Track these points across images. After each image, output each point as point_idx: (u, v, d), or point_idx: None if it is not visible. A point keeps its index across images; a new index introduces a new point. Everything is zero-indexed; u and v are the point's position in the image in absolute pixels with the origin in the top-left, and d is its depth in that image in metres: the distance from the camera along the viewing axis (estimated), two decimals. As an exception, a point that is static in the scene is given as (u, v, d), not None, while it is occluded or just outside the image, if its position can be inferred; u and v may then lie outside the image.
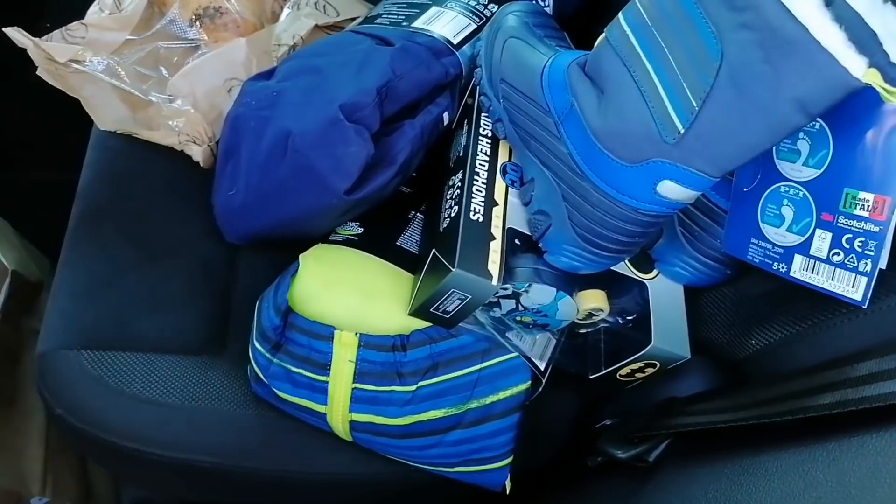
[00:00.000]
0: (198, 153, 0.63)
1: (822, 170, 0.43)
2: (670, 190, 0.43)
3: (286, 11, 0.72)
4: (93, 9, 0.68)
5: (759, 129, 0.39)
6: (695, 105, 0.40)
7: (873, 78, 0.36)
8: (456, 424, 0.52)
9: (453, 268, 0.47)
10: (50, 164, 0.95)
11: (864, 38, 0.40)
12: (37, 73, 0.64)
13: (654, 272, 0.56)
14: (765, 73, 0.37)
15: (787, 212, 0.45)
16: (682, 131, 0.41)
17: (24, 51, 0.62)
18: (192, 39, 0.68)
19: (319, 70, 0.53)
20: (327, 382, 0.51)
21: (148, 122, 0.65)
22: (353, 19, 0.74)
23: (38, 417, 0.81)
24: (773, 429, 0.41)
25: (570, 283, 0.52)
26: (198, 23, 0.68)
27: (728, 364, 0.54)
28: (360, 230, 0.57)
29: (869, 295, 0.41)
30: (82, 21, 0.66)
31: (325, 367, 0.51)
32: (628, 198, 0.45)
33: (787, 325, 0.47)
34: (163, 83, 0.65)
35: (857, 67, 0.35)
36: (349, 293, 0.53)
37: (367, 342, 0.51)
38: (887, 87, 0.36)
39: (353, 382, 0.51)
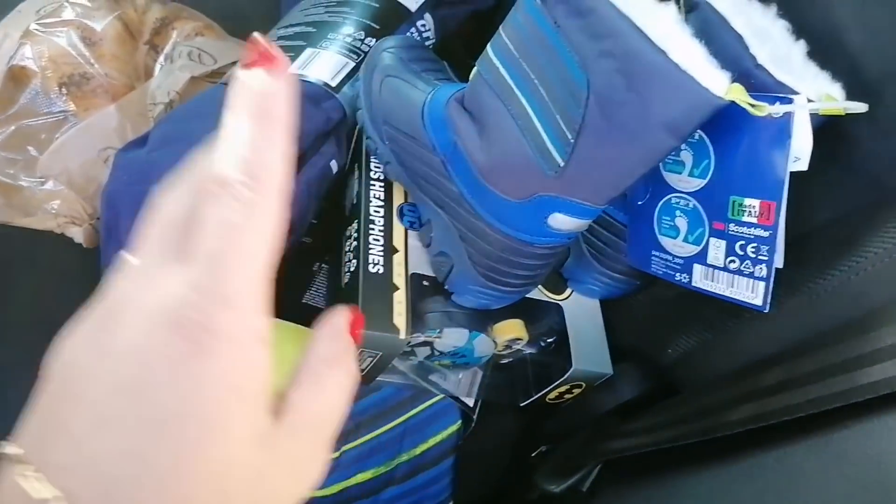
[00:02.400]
0: (78, 234, 0.59)
1: (707, 179, 0.43)
2: (561, 222, 0.43)
3: (159, 65, 0.69)
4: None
5: (633, 156, 0.38)
6: (570, 138, 0.39)
7: (737, 94, 0.35)
8: (388, 482, 0.50)
9: (358, 327, 0.45)
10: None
11: (728, 44, 0.40)
12: None
13: (568, 291, 0.55)
14: (631, 101, 0.36)
15: (681, 223, 0.45)
16: (562, 164, 0.40)
17: None
18: (60, 112, 0.63)
19: (191, 137, 0.50)
20: (246, 465, 0.48)
21: (24, 208, 0.61)
22: (233, 63, 0.71)
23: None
24: (694, 448, 0.41)
25: (484, 318, 0.51)
26: (64, 92, 0.64)
27: (654, 369, 0.54)
28: (264, 292, 0.55)
29: (769, 299, 0.41)
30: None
31: (240, 450, 0.48)
32: (522, 233, 0.44)
33: (698, 333, 0.47)
34: (32, 164, 0.60)
35: (720, 85, 0.35)
36: (257, 365, 0.50)
37: (282, 415, 0.48)
38: (752, 101, 0.36)
39: (273, 460, 0.48)
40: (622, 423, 0.49)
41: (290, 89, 0.22)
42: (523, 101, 0.41)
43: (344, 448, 0.49)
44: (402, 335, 0.46)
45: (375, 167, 0.54)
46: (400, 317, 0.47)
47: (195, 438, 0.18)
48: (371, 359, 0.47)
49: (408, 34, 0.61)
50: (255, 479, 0.20)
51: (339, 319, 0.25)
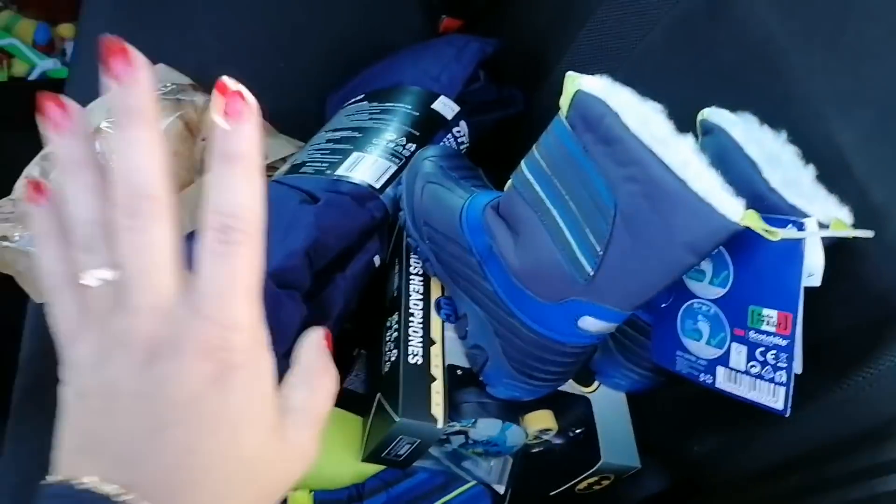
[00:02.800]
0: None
1: (727, 289, 0.46)
2: (591, 324, 0.46)
3: (216, 160, 0.75)
4: (20, 182, 0.69)
5: (656, 270, 0.41)
6: (599, 250, 0.42)
7: (752, 221, 0.39)
8: (421, 569, 0.52)
9: (397, 417, 0.48)
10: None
11: (743, 168, 0.43)
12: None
13: (596, 384, 0.58)
14: (654, 222, 0.40)
15: (704, 327, 0.48)
16: (592, 273, 0.43)
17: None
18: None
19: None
20: (286, 548, 0.51)
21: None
22: (284, 159, 0.77)
23: None
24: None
25: (516, 408, 0.54)
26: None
27: (680, 465, 0.56)
28: (307, 378, 0.58)
29: (789, 404, 0.43)
30: (10, 197, 0.67)
31: (282, 533, 0.51)
32: (554, 333, 0.47)
33: (723, 432, 0.49)
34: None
35: (736, 212, 0.38)
36: (300, 450, 0.53)
37: (322, 499, 0.51)
38: (766, 227, 0.39)
39: (313, 544, 0.51)
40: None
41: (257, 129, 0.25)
42: (555, 213, 0.45)
43: (380, 534, 0.51)
44: (440, 424, 0.49)
45: (415, 263, 0.58)
46: (437, 406, 0.50)
47: (232, 433, 0.25)
48: (409, 445, 0.50)
49: (445, 140, 0.67)
50: (274, 461, 0.26)
51: (319, 338, 0.31)
